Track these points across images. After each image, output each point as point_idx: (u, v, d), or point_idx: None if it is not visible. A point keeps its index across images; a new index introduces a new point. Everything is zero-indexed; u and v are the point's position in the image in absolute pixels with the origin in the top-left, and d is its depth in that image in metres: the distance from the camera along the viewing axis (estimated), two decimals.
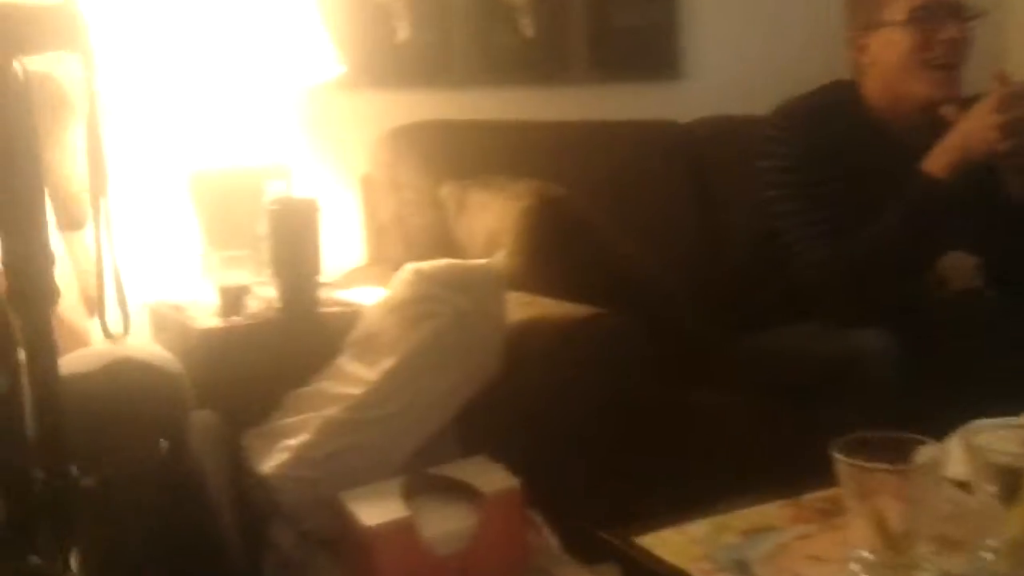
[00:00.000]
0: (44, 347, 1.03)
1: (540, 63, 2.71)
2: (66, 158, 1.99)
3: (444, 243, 2.25)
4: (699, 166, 2.58)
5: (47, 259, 1.07)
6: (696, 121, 2.66)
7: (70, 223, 2.01)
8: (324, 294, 1.91)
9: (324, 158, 2.49)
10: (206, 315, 1.86)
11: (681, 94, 2.83)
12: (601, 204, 2.13)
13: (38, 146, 1.07)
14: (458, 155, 2.36)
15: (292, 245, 1.84)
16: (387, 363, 1.72)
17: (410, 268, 1.80)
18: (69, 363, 1.50)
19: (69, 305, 1.80)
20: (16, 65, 1.03)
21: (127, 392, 1.39)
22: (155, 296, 2.06)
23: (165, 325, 1.95)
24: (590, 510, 1.47)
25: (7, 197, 1.03)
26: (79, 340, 1.75)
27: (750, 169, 2.10)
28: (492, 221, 2.06)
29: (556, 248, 1.94)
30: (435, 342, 1.73)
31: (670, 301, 2.05)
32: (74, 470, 1.04)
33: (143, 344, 1.63)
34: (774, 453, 1.65)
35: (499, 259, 1.82)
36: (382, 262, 2.40)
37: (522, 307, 1.87)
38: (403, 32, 2.56)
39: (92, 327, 1.82)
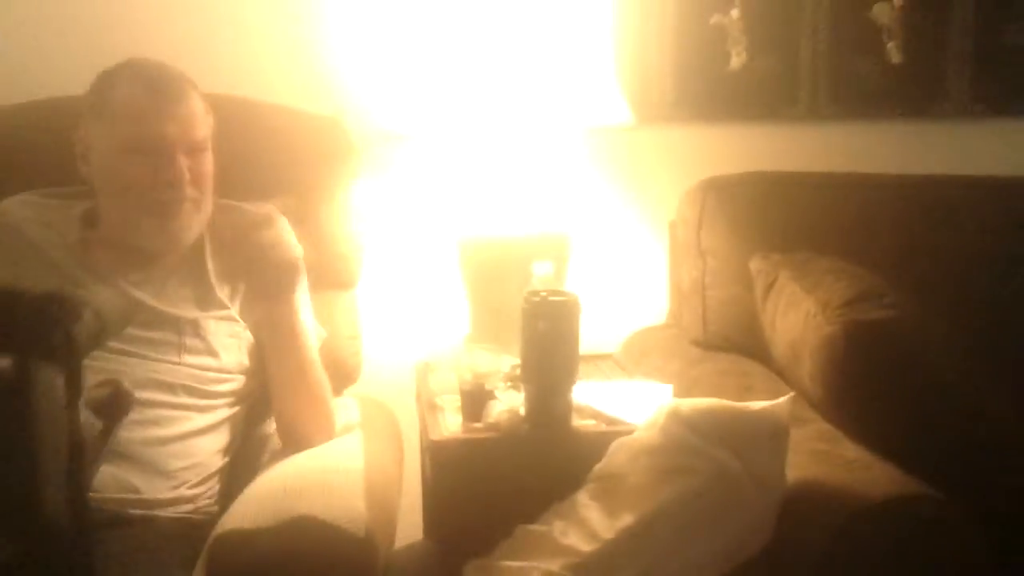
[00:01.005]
0: None
1: (906, 94, 2.25)
2: (336, 216, 1.88)
3: (745, 327, 1.92)
4: None
5: None
6: None
7: (338, 283, 1.91)
8: (579, 401, 1.65)
9: (635, 197, 2.22)
10: (450, 410, 1.68)
11: None
12: (969, 292, 1.68)
13: None
14: (779, 215, 2.00)
15: (545, 349, 1.59)
16: (627, 519, 1.44)
17: (667, 408, 1.49)
18: (242, 508, 1.39)
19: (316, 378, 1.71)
20: None
21: (296, 562, 1.24)
22: (422, 355, 1.93)
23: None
24: None
25: None
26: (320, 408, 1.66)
27: None
28: (796, 327, 1.69)
29: (867, 386, 1.55)
30: (687, 504, 1.42)
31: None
32: None
33: (347, 468, 1.47)
34: None
35: (783, 406, 1.46)
36: (678, 331, 2.10)
37: (811, 457, 1.51)
38: (738, 58, 2.18)
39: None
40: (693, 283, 2.03)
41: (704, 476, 1.43)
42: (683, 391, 1.77)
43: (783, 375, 1.80)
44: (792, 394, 1.48)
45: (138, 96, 1.58)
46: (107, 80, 1.61)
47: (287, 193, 1.81)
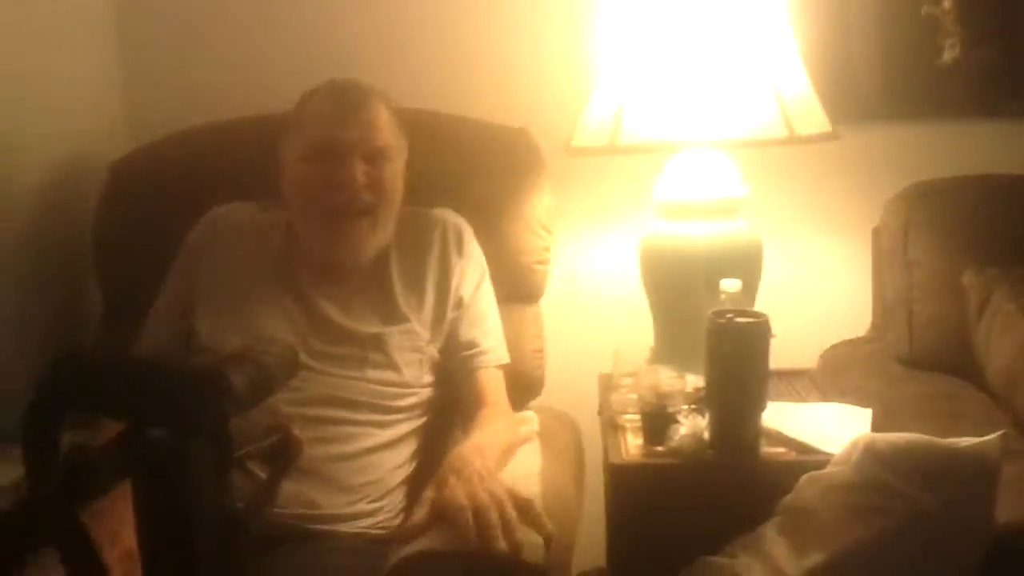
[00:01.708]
0: None
1: None
2: (522, 229, 1.87)
3: (956, 347, 1.79)
4: None
5: None
6: None
7: (524, 295, 1.90)
8: (769, 425, 1.58)
9: (837, 201, 2.10)
10: (632, 431, 1.65)
11: None
12: None
13: None
14: (995, 224, 1.84)
15: (730, 372, 1.53)
16: (815, 558, 1.37)
17: (863, 442, 1.40)
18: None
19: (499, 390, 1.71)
20: None
21: None
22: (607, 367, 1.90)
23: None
24: None
25: None
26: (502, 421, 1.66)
27: None
28: (1012, 351, 1.55)
29: None
30: (880, 547, 1.34)
31: None
32: None
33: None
34: None
35: (993, 443, 1.34)
36: (882, 346, 1.97)
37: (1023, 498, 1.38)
38: (951, 51, 2.02)
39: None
40: (898, 296, 1.90)
41: (900, 518, 1.34)
42: (884, 414, 1.66)
43: (997, 399, 1.66)
44: (1004, 431, 1.36)
45: (322, 105, 1.63)
46: (307, 96, 1.67)
47: (474, 205, 1.81)
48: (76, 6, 2.00)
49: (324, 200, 1.60)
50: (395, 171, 1.65)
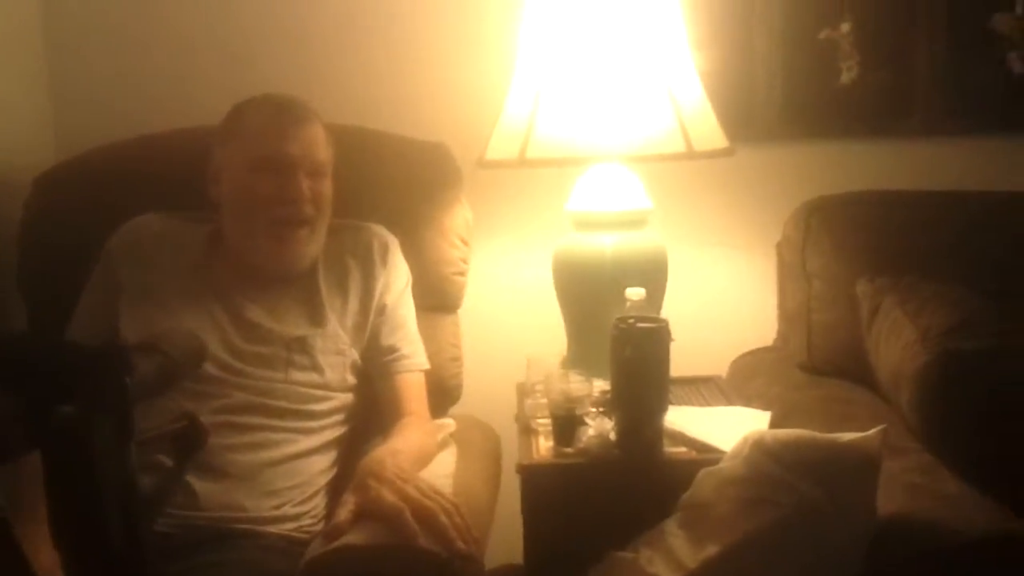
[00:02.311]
0: None
1: None
2: (440, 240, 1.93)
3: (851, 352, 1.88)
4: None
5: None
6: None
7: (442, 305, 1.96)
8: (672, 427, 1.66)
9: (743, 216, 2.20)
10: (545, 434, 1.72)
11: None
12: None
13: None
14: (887, 236, 1.94)
15: (633, 375, 1.60)
16: (711, 549, 1.44)
17: (752, 438, 1.48)
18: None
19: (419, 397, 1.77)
20: None
21: None
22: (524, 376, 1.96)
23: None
24: None
25: None
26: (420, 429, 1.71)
27: None
28: (898, 354, 1.65)
29: (963, 418, 1.50)
30: (770, 537, 1.41)
31: None
32: None
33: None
34: None
35: (873, 437, 1.43)
36: (785, 355, 2.07)
37: (907, 490, 1.47)
38: (849, 73, 2.14)
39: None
40: (798, 306, 2.00)
41: (788, 508, 1.41)
42: (783, 417, 1.75)
43: (888, 401, 1.75)
44: (883, 426, 1.44)
45: (266, 119, 1.69)
46: (242, 108, 1.73)
47: (394, 217, 1.87)
48: (3, 18, 2.03)
49: (269, 212, 1.66)
50: (330, 186, 1.73)
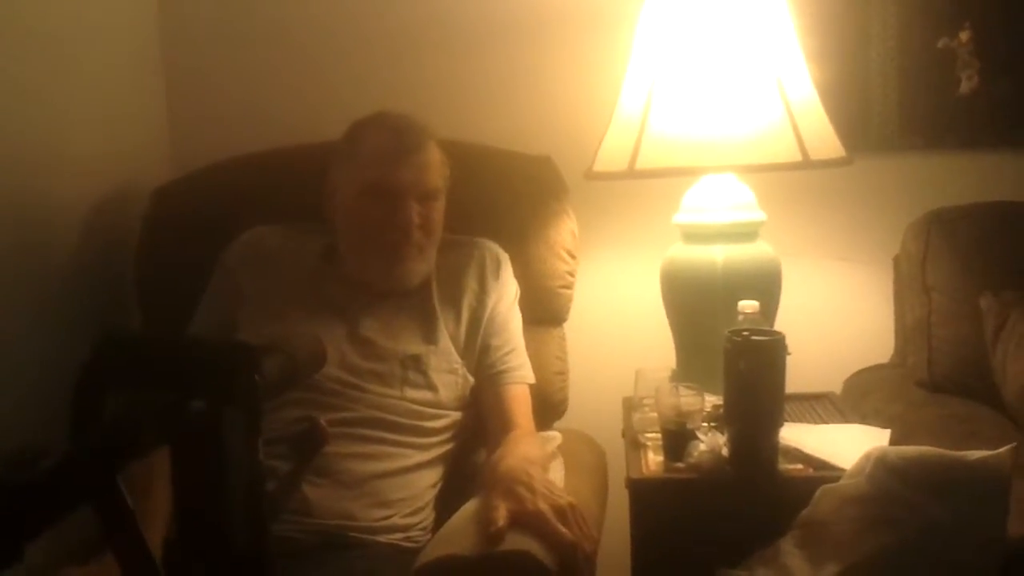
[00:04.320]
0: None
1: None
2: (547, 254, 1.92)
3: (975, 370, 1.81)
4: None
5: None
6: None
7: (548, 318, 1.95)
8: (787, 443, 1.61)
9: (859, 229, 2.14)
10: (654, 449, 1.68)
11: None
12: None
13: None
14: (1011, 249, 1.87)
15: (747, 390, 1.57)
16: (830, 570, 1.39)
17: (875, 455, 1.42)
18: (447, 536, 1.45)
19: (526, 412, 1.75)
20: None
21: None
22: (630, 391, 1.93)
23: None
24: None
25: None
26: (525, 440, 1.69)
27: None
28: None
29: None
30: (892, 560, 1.36)
31: None
32: None
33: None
34: None
35: (1005, 455, 1.37)
36: (903, 371, 1.99)
37: None
38: (969, 82, 2.07)
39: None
40: (918, 321, 1.93)
41: (913, 529, 1.36)
42: (902, 436, 1.68)
43: (1015, 421, 1.68)
44: (1014, 444, 1.38)
45: (380, 144, 1.70)
46: (358, 129, 1.74)
47: (501, 231, 1.87)
48: (123, 36, 2.10)
49: (379, 235, 1.68)
50: (441, 208, 1.73)
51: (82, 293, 1.91)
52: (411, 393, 1.68)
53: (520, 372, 1.77)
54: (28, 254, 1.74)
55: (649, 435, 1.73)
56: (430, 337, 1.72)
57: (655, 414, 1.69)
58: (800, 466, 1.60)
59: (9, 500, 0.58)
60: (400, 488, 1.63)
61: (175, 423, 0.70)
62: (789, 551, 1.47)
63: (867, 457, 1.44)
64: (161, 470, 0.73)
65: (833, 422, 1.81)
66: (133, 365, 0.75)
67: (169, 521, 1.27)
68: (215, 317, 1.74)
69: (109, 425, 0.71)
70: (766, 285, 1.81)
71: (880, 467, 1.41)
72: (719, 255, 1.80)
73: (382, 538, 1.59)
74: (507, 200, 1.93)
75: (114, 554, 0.72)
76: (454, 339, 1.73)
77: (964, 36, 2.05)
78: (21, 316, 1.71)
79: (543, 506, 1.41)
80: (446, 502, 1.69)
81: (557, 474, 1.67)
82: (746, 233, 1.83)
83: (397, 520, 1.61)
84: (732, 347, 1.56)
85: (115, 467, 0.69)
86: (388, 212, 1.67)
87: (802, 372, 1.73)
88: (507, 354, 1.76)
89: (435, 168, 1.71)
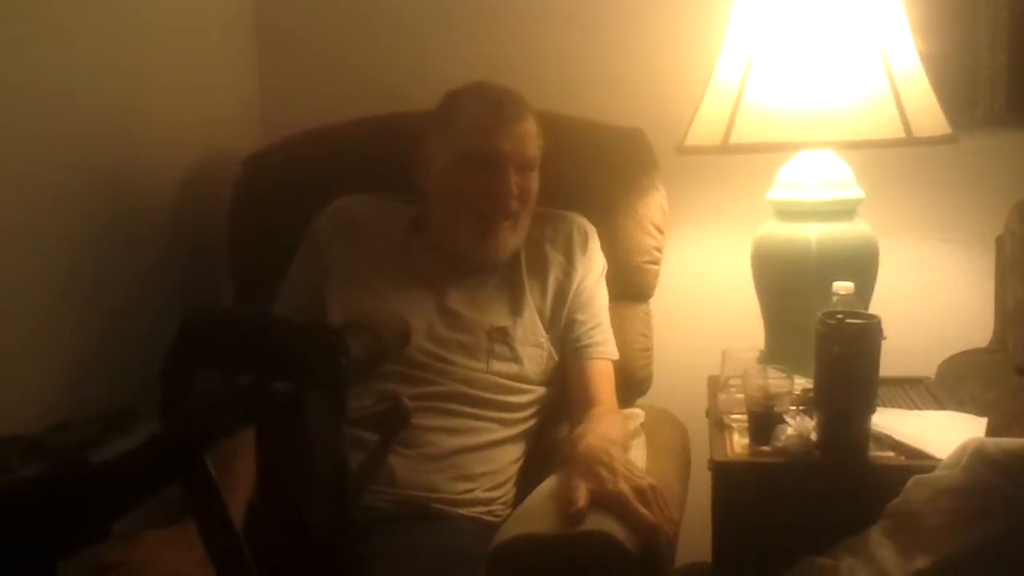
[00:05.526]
0: None
1: None
2: (635, 228, 1.89)
3: None
4: None
5: None
6: None
7: (633, 294, 1.92)
8: (879, 430, 1.57)
9: (960, 209, 2.07)
10: (739, 431, 1.65)
11: None
12: None
13: None
14: None
15: (839, 374, 1.52)
16: (921, 562, 1.35)
17: (973, 445, 1.37)
18: (527, 513, 1.44)
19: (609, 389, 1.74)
20: None
21: (572, 571, 1.28)
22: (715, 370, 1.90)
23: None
24: None
25: None
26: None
27: None
28: None
29: None
30: (987, 555, 1.31)
31: None
32: None
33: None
34: None
35: None
36: (1002, 356, 1.92)
37: None
38: None
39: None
40: (1019, 304, 1.85)
41: (1010, 524, 1.31)
42: (1000, 425, 1.62)
43: None
44: None
45: (482, 112, 1.68)
46: (456, 98, 1.73)
47: (588, 204, 1.85)
48: (216, 5, 2.12)
49: (475, 205, 1.67)
50: (536, 179, 1.72)
51: (175, 261, 1.94)
52: (497, 366, 1.67)
53: (604, 348, 1.75)
54: (123, 223, 1.78)
55: (735, 416, 1.70)
56: (517, 309, 1.71)
57: (741, 395, 1.66)
58: (891, 454, 1.56)
59: (96, 482, 0.59)
60: (483, 462, 1.63)
61: (260, 406, 0.70)
62: (878, 541, 1.44)
63: (963, 448, 1.39)
64: (245, 445, 0.73)
65: (927, 408, 1.76)
66: (220, 344, 0.75)
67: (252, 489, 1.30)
68: (303, 287, 1.75)
69: (196, 406, 0.71)
70: (862, 265, 1.76)
71: (978, 459, 1.36)
72: (813, 233, 1.75)
73: (464, 511, 1.59)
74: (596, 173, 1.91)
75: (199, 529, 0.73)
76: (540, 312, 1.72)
77: None
78: (119, 285, 1.75)
79: (624, 487, 1.39)
80: (528, 477, 1.68)
81: (639, 452, 1.65)
82: (843, 211, 1.78)
83: (479, 494, 1.62)
84: (825, 330, 1.52)
85: (201, 448, 0.69)
86: (486, 181, 1.66)
87: (895, 355, 1.67)
88: (592, 329, 1.75)
89: (533, 139, 1.70)
